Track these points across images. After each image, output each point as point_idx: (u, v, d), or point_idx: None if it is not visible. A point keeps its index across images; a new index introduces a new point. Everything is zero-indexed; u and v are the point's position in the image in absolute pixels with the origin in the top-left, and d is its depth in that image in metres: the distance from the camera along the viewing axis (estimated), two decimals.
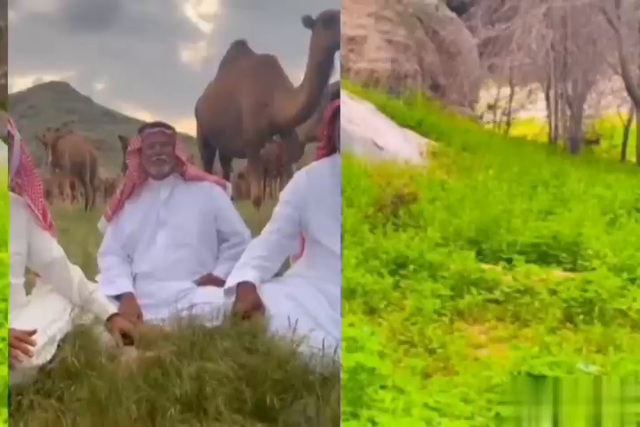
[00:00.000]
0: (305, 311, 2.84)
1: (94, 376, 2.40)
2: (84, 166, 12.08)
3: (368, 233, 4.67)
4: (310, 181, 3.21)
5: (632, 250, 4.56)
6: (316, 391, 2.35)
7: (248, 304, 2.89)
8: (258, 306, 2.90)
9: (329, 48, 5.89)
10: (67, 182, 11.99)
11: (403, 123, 9.01)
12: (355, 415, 2.22)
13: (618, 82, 11.75)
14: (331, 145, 3.22)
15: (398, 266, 4.21)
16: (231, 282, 3.04)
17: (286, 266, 3.32)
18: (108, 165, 14.40)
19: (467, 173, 7.23)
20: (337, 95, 3.34)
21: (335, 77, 6.32)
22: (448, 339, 3.31)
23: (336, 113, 3.18)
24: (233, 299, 2.96)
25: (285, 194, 3.28)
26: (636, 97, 10.93)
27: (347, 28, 10.62)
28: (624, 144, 12.48)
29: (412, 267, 4.15)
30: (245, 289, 2.98)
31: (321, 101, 6.16)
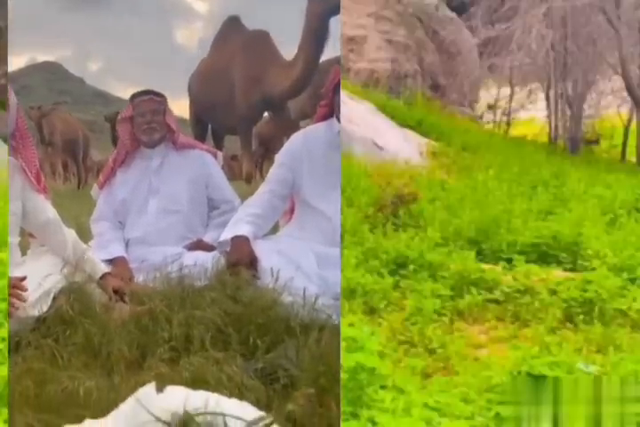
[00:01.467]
0: (296, 268, 2.92)
1: (88, 323, 2.54)
2: (76, 145, 11.88)
3: (368, 233, 4.67)
4: (306, 143, 3.28)
5: (632, 250, 4.56)
6: (296, 335, 2.48)
7: (242, 256, 2.99)
8: (251, 258, 2.99)
9: (323, 14, 5.85)
10: (59, 162, 11.89)
11: (403, 123, 8.99)
12: (355, 415, 2.22)
13: (618, 82, 11.73)
14: (332, 105, 3.27)
15: (398, 266, 4.21)
16: (226, 236, 3.14)
17: (275, 230, 3.40)
18: (100, 147, 14.25)
19: (467, 173, 7.22)
20: (337, 63, 3.40)
21: (335, 49, 6.31)
22: (448, 339, 3.31)
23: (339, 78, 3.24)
24: (223, 258, 3.06)
25: (281, 155, 3.36)
26: (636, 97, 10.92)
27: (347, 28, 10.62)
28: (624, 144, 12.46)
29: (412, 267, 4.15)
30: (239, 242, 3.06)
31: (314, 75, 6.12)
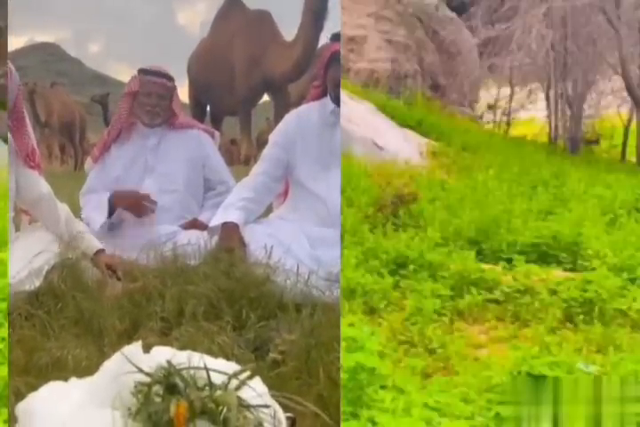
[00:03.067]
0: (287, 250, 2.92)
1: (80, 297, 2.56)
2: (73, 127, 11.75)
3: (368, 233, 4.67)
4: (299, 122, 3.26)
5: (632, 250, 4.56)
6: (289, 311, 2.51)
7: (231, 243, 3.00)
8: (240, 245, 3.00)
9: None
10: (56, 144, 11.81)
11: (403, 123, 8.99)
12: (355, 415, 2.22)
13: (618, 82, 11.72)
14: (325, 85, 3.25)
15: (398, 266, 4.21)
16: (216, 221, 3.14)
17: (269, 212, 3.40)
18: (98, 130, 14.15)
19: (467, 173, 7.22)
20: (337, 38, 3.34)
21: (336, 27, 6.31)
22: (448, 339, 3.31)
23: (334, 57, 3.19)
24: (216, 237, 3.08)
25: (274, 135, 3.34)
26: (636, 97, 10.91)
27: (347, 28, 10.60)
28: (624, 144, 12.45)
29: (412, 267, 4.15)
30: (229, 228, 3.07)
31: (314, 56, 6.07)
